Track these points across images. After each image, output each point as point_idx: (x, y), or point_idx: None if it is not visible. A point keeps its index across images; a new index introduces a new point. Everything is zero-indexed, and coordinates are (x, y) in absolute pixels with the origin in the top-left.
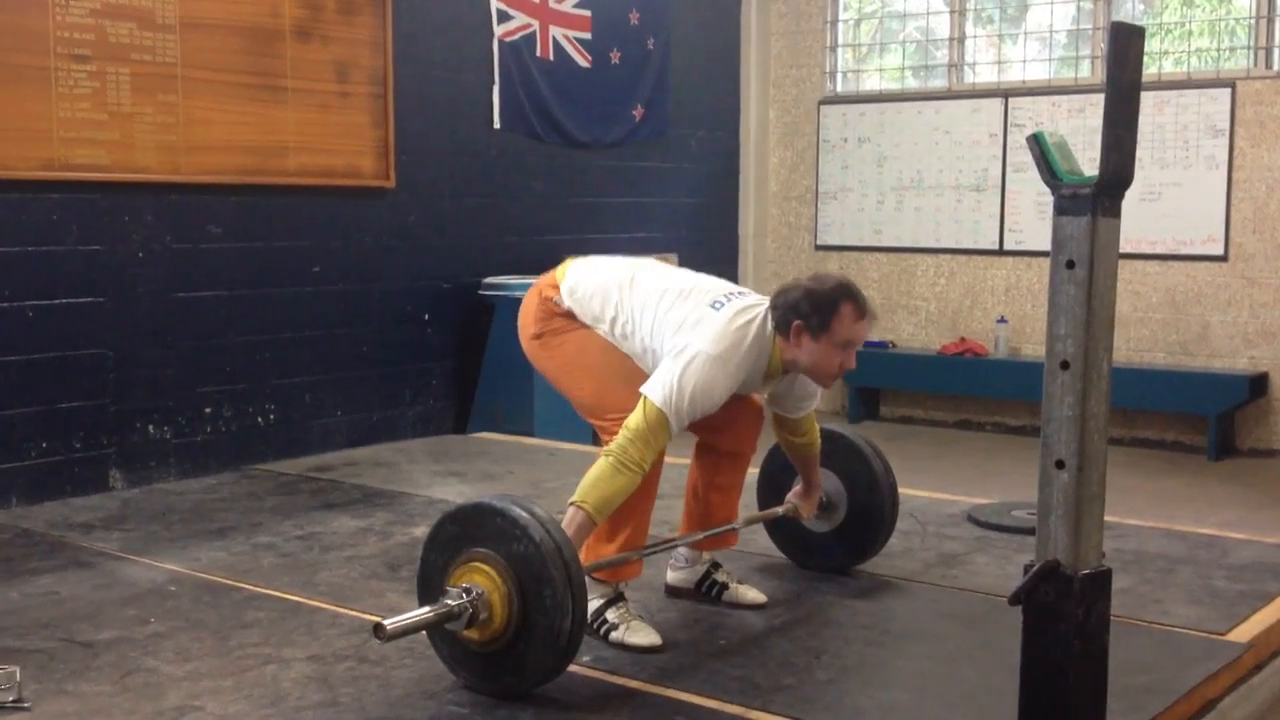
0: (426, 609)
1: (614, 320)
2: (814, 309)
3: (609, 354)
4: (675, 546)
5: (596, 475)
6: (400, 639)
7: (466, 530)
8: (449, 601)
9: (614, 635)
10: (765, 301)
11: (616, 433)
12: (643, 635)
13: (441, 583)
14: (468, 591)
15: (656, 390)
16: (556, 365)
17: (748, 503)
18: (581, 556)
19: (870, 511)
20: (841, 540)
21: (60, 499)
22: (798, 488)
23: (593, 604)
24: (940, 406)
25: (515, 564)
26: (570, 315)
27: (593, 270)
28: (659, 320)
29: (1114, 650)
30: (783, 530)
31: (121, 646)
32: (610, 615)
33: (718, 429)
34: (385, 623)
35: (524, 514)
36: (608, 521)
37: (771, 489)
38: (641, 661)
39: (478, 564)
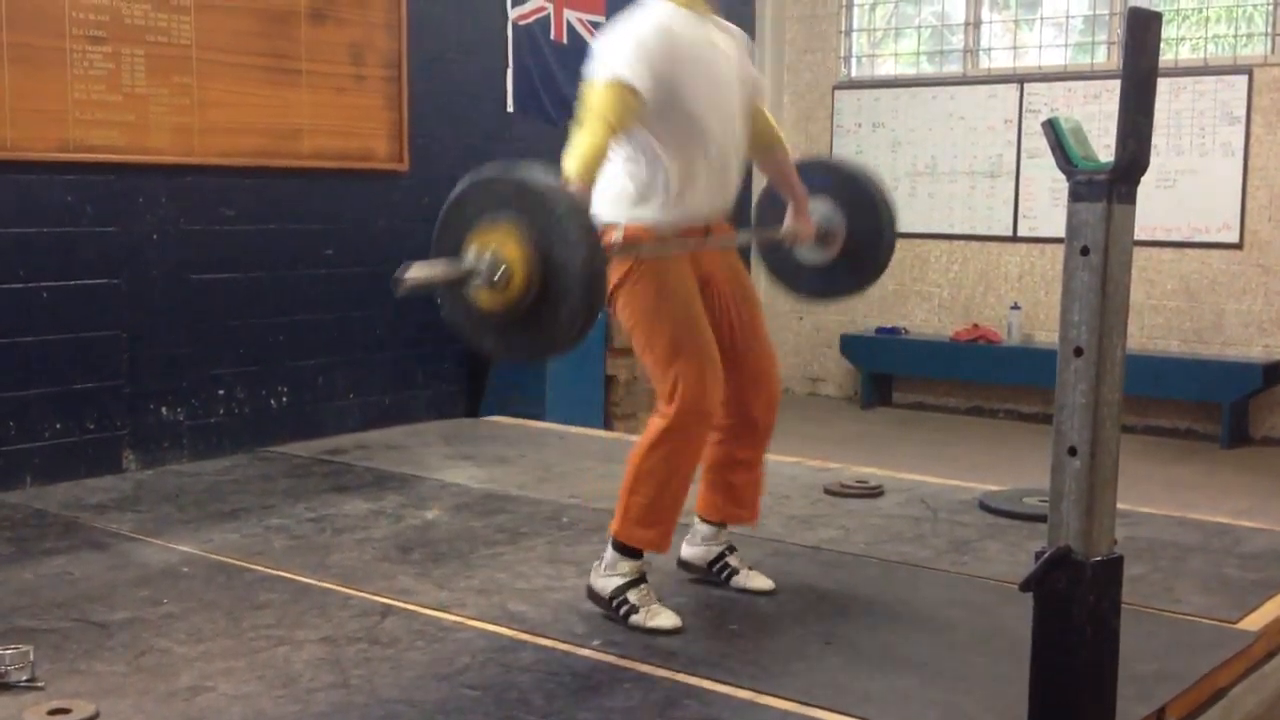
0: (446, 263)
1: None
2: None
3: (686, 301)
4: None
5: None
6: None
7: (481, 201)
8: (469, 259)
9: (634, 619)
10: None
11: (671, 396)
12: (664, 618)
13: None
14: (487, 252)
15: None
16: (635, 311)
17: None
18: (615, 528)
19: (869, 236)
20: (841, 267)
21: (74, 480)
22: (790, 212)
23: (615, 582)
24: (953, 393)
25: (535, 227)
26: (631, 242)
27: None
28: None
29: (1125, 637)
30: (779, 258)
31: (134, 627)
32: (632, 596)
33: (728, 398)
34: (405, 275)
35: (541, 178)
36: (647, 504)
37: (774, 211)
38: (652, 645)
39: (496, 229)
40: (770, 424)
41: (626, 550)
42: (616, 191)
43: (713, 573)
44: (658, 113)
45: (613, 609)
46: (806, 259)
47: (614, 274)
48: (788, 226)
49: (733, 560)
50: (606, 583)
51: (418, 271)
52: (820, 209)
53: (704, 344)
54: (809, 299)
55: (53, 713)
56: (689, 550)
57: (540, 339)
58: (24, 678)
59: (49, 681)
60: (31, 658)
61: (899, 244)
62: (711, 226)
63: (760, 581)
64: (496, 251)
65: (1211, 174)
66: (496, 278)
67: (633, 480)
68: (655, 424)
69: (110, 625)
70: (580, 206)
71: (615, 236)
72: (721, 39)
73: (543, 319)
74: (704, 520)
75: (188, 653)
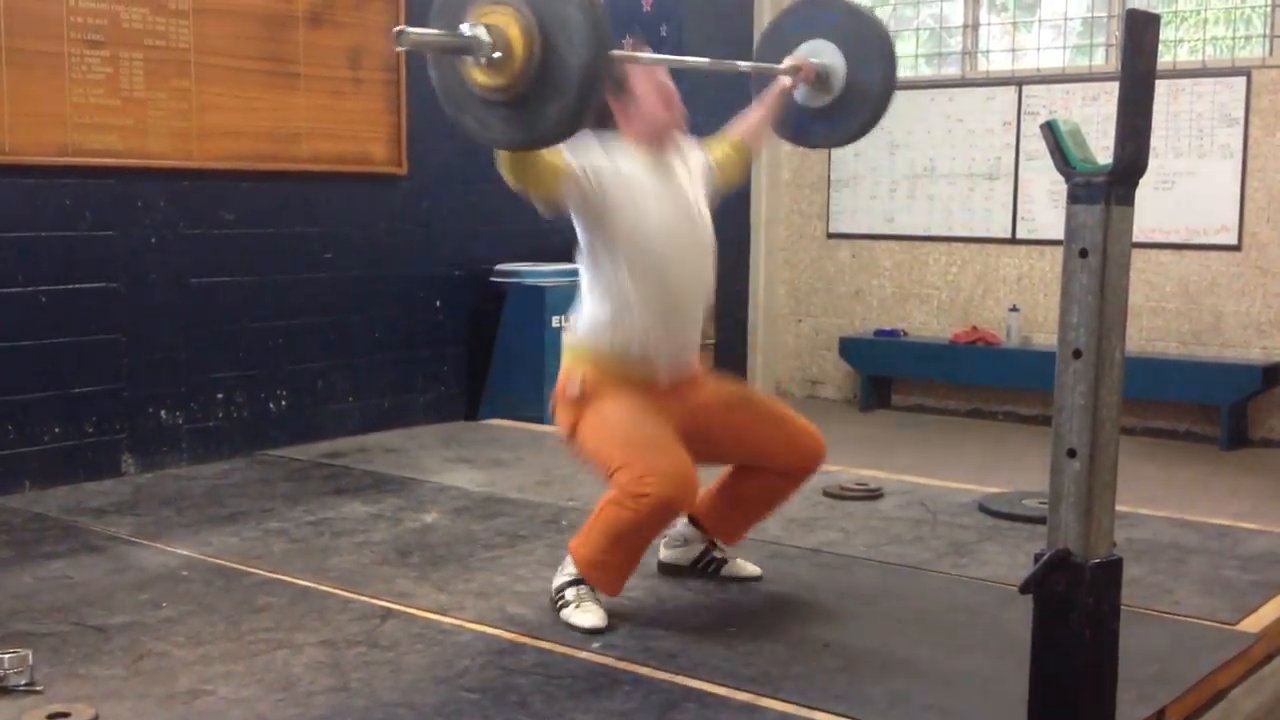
0: (448, 31)
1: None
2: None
3: (635, 414)
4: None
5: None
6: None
7: None
8: (470, 30)
9: (564, 612)
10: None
11: (630, 490)
12: (587, 616)
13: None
14: (489, 28)
15: None
16: (589, 441)
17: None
18: (572, 544)
19: (866, 81)
20: (837, 111)
21: (73, 483)
22: (788, 64)
23: (561, 580)
24: (952, 395)
25: (542, 14)
26: (584, 397)
27: None
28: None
29: (1124, 639)
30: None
31: (133, 631)
32: (569, 593)
33: (771, 458)
34: (407, 29)
35: None
36: (603, 537)
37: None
38: (652, 648)
39: (503, 7)
40: (811, 471)
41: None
42: (585, 334)
43: (699, 569)
44: (606, 226)
45: (554, 603)
46: (808, 103)
47: (564, 422)
48: (787, 64)
49: (717, 553)
50: (557, 579)
51: (419, 33)
52: (820, 50)
53: (658, 447)
54: (811, 144)
55: (52, 717)
56: (669, 553)
57: (520, 129)
58: (23, 682)
59: (48, 685)
60: (30, 662)
61: (897, 246)
62: (677, 382)
63: (750, 568)
64: (499, 30)
65: (1210, 176)
66: (494, 56)
67: (595, 514)
68: (613, 496)
69: (109, 629)
70: (594, 4)
71: (573, 389)
72: (681, 167)
73: (528, 109)
74: (691, 521)
75: (187, 656)
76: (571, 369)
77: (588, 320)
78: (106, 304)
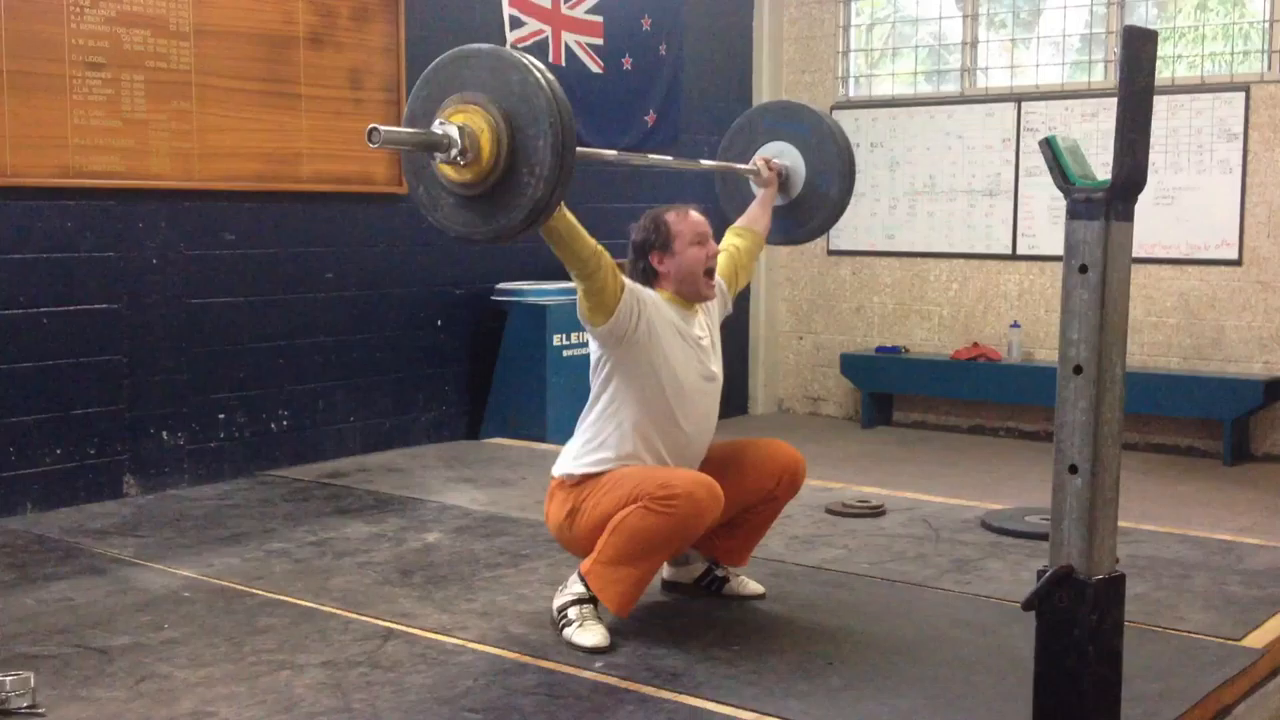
0: (418, 130)
1: (592, 414)
2: (648, 239)
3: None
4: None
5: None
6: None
7: (454, 74)
8: (437, 131)
9: (566, 631)
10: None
11: (656, 495)
12: (589, 636)
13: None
14: (457, 127)
15: None
16: (593, 515)
17: None
18: (584, 566)
19: (819, 191)
20: (795, 211)
21: (75, 505)
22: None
23: (564, 600)
24: (954, 412)
25: (505, 102)
26: (582, 481)
27: None
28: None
29: (1128, 656)
30: (734, 190)
31: (135, 652)
32: (571, 612)
33: (759, 482)
34: (379, 127)
35: (515, 55)
36: (621, 551)
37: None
38: (655, 667)
39: (467, 106)
40: (795, 489)
41: (584, 580)
42: (586, 454)
43: (702, 586)
44: (628, 369)
45: (556, 624)
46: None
47: (559, 513)
48: (754, 164)
49: (720, 571)
50: (558, 599)
51: (391, 132)
52: (784, 153)
53: (674, 468)
54: (768, 241)
55: None
56: (672, 571)
57: (492, 223)
58: (25, 704)
59: (50, 708)
60: (32, 684)
61: (898, 263)
62: None
63: (752, 586)
64: (467, 128)
65: (1210, 191)
66: (462, 153)
67: (608, 531)
68: (641, 501)
69: (111, 651)
70: (559, 97)
71: (569, 476)
72: (703, 326)
73: (498, 203)
74: (696, 550)
75: (189, 678)
76: (562, 498)
77: (588, 442)
78: (108, 325)
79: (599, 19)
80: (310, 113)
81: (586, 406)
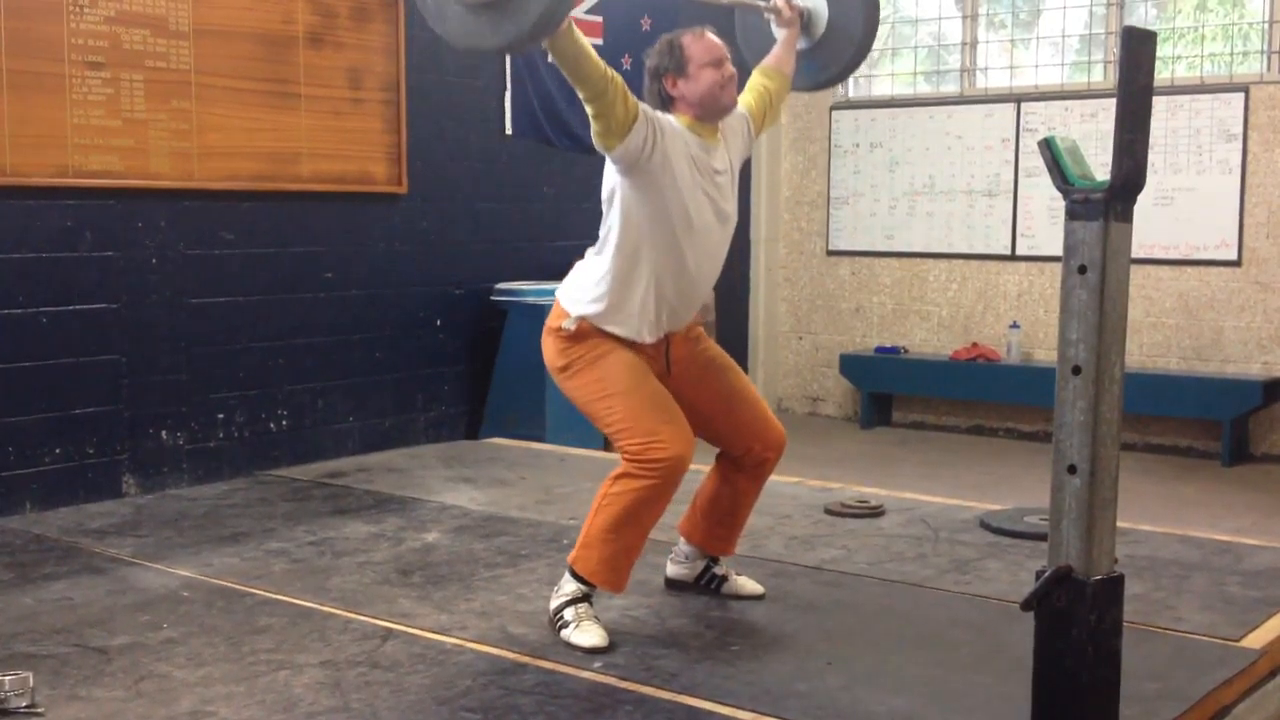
0: None
1: (601, 247)
2: (661, 64)
3: (634, 375)
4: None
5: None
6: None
7: None
8: None
9: (564, 633)
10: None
11: (641, 458)
12: (587, 636)
13: None
14: None
15: None
16: (585, 395)
17: None
18: (571, 556)
19: (842, 31)
20: (819, 53)
21: (74, 505)
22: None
23: (559, 601)
24: (953, 412)
25: None
26: (581, 336)
27: None
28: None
29: (1127, 656)
30: (756, 33)
31: (134, 652)
32: (568, 614)
33: (731, 435)
34: None
35: None
36: (608, 525)
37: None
38: (654, 667)
39: None
40: (773, 462)
41: (577, 575)
42: (589, 286)
43: (701, 585)
44: (639, 198)
45: (552, 624)
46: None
47: (555, 359)
48: (774, 3)
49: (719, 570)
50: (554, 601)
51: None
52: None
53: (664, 409)
54: (795, 86)
55: None
56: (674, 569)
57: (500, 33)
58: (23, 704)
59: (49, 708)
60: (31, 684)
61: (897, 263)
62: (672, 336)
63: (751, 586)
64: None
65: (1209, 191)
66: None
67: (594, 512)
68: (624, 467)
69: (110, 650)
70: None
71: (567, 324)
72: (723, 159)
73: (506, 11)
74: (687, 540)
75: (188, 678)
76: (564, 313)
77: (594, 271)
78: (107, 324)
79: (599, 19)
80: (310, 112)
81: (598, 244)
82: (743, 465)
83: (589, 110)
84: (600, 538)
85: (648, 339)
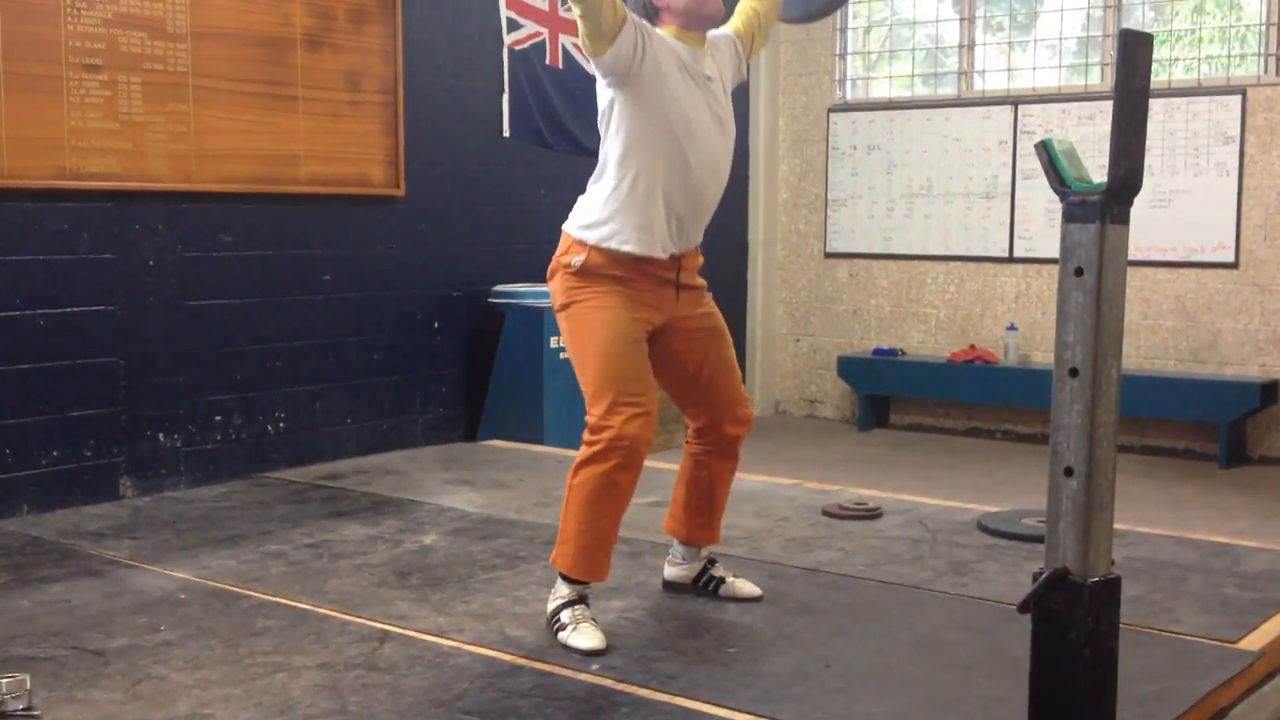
0: None
1: (600, 172)
2: None
3: (619, 343)
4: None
5: None
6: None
7: None
8: None
9: (561, 635)
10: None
11: (595, 429)
12: (584, 638)
13: None
14: None
15: None
16: (571, 343)
17: None
18: (552, 557)
19: None
20: None
21: (71, 507)
22: None
23: (555, 604)
24: (950, 414)
25: None
26: (587, 272)
27: None
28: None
29: (1124, 658)
30: None
31: (132, 654)
32: (564, 616)
33: (702, 404)
34: None
35: None
36: (578, 518)
37: None
38: (652, 669)
39: None
40: (742, 439)
41: (565, 576)
42: (595, 210)
43: (699, 587)
44: (636, 108)
45: (551, 627)
46: None
47: (559, 295)
48: None
49: (716, 571)
50: (550, 604)
51: None
52: None
53: (633, 383)
54: (784, 17)
55: None
56: (671, 571)
57: None
58: (20, 707)
59: (46, 710)
60: (28, 686)
61: (894, 265)
62: (682, 256)
63: (749, 588)
64: None
65: (1206, 194)
66: None
67: (564, 506)
68: (582, 451)
69: (107, 653)
70: None
71: (575, 260)
72: (712, 68)
73: None
74: (674, 537)
75: (185, 680)
76: (572, 246)
77: (598, 194)
78: (104, 327)
79: None
80: (307, 115)
81: (596, 171)
82: (713, 444)
83: (576, 11)
84: (574, 530)
85: (660, 254)
